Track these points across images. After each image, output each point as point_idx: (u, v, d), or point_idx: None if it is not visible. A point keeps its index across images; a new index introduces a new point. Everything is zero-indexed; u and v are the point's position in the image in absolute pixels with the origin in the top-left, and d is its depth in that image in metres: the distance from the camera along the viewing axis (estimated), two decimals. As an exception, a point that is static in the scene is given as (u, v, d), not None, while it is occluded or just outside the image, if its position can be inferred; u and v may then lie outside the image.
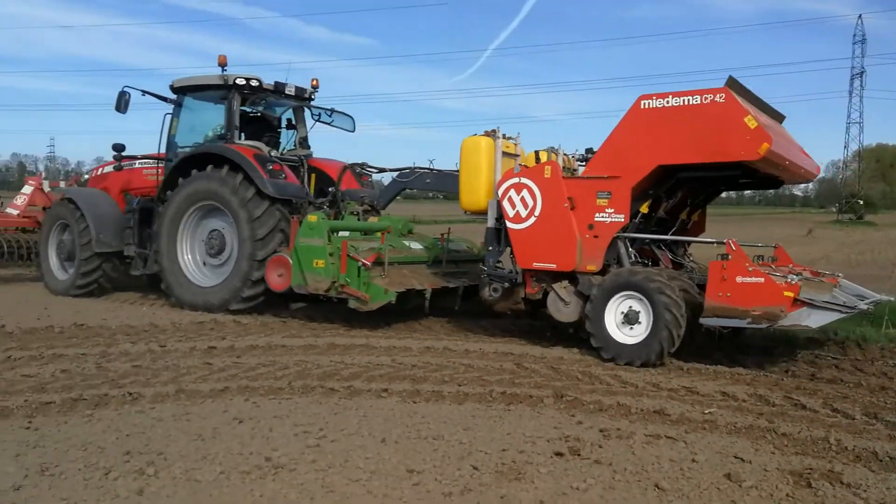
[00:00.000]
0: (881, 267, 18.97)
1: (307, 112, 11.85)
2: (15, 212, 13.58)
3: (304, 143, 11.90)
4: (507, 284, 8.24)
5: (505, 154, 8.56)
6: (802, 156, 8.07)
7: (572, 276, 7.67)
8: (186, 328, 8.64)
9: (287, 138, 11.97)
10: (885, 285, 11.64)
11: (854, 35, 75.49)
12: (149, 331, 8.39)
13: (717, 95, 6.83)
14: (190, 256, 10.42)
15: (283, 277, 9.09)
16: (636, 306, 7.14)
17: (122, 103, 10.94)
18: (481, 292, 8.54)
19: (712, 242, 7.69)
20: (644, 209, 7.78)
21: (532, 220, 7.76)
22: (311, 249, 8.79)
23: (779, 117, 8.30)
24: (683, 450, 4.64)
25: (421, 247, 10.02)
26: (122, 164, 11.82)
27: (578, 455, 4.50)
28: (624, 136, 7.37)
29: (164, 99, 11.23)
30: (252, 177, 9.63)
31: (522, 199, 7.82)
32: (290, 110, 11.92)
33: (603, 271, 7.54)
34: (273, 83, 10.82)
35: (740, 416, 5.39)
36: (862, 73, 74.83)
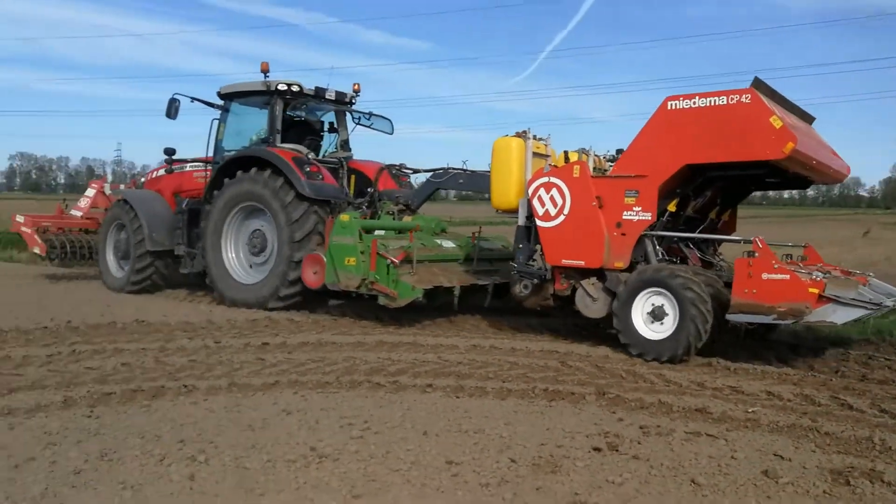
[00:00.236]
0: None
1: (348, 116, 12.11)
2: (78, 213, 14.17)
3: (345, 145, 12.14)
4: (536, 281, 8.37)
5: (535, 154, 8.70)
6: (831, 156, 8.06)
7: (600, 273, 7.79)
8: (241, 325, 8.90)
9: (329, 141, 12.20)
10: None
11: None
12: (206, 328, 8.68)
13: (743, 96, 6.90)
14: (234, 255, 10.77)
15: (318, 275, 9.37)
16: (662, 302, 7.23)
17: (172, 110, 11.40)
18: (512, 289, 8.68)
19: (739, 241, 7.70)
20: (672, 208, 7.89)
21: (561, 218, 7.90)
22: (344, 248, 9.03)
23: (808, 118, 8.31)
24: (723, 447, 4.64)
25: (453, 245, 10.19)
26: (174, 167, 12.27)
27: (616, 450, 4.54)
28: (651, 136, 7.47)
29: (212, 105, 11.60)
30: (290, 178, 9.92)
31: (552, 198, 7.96)
32: (333, 114, 12.18)
33: (630, 268, 7.63)
34: (314, 88, 11.08)
35: (783, 415, 5.36)
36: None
